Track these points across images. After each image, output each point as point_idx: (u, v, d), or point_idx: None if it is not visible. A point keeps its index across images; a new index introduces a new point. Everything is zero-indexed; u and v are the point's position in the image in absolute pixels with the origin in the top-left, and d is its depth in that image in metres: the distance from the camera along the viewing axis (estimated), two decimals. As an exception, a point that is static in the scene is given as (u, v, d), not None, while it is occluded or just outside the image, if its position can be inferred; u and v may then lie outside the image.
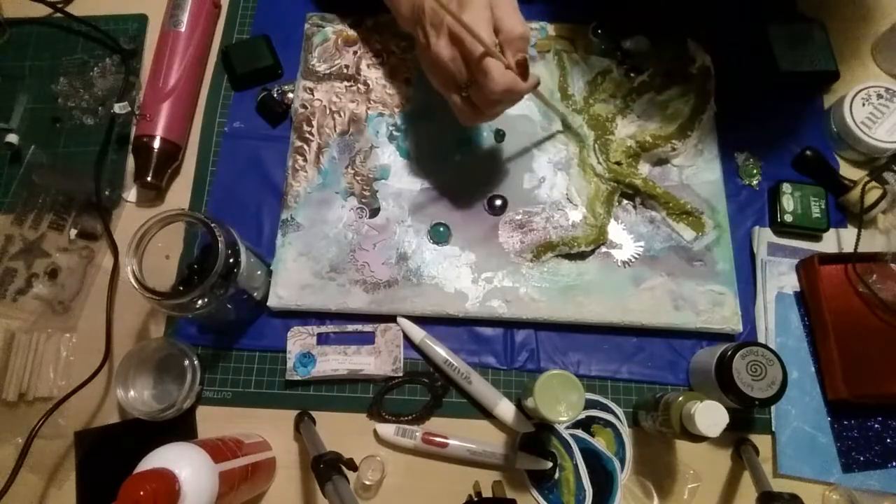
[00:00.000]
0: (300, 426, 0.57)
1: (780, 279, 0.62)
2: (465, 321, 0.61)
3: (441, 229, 0.62)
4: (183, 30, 0.67)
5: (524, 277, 0.61)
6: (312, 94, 0.67)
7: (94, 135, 0.68)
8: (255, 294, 0.59)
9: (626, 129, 0.66)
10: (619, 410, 0.59)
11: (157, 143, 0.63)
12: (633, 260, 0.62)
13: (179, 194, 0.67)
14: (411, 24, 0.56)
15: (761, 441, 0.57)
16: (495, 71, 0.49)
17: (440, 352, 0.59)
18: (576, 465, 0.57)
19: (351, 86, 0.68)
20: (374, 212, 0.63)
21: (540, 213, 0.63)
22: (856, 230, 0.61)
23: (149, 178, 0.63)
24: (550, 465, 0.56)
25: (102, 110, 0.69)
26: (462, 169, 0.65)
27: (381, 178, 0.64)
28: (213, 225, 0.50)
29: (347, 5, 0.71)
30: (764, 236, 0.63)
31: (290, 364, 0.59)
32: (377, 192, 0.64)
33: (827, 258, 0.61)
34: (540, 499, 0.56)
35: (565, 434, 0.58)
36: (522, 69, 0.51)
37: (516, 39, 0.50)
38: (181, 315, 0.59)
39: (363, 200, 0.64)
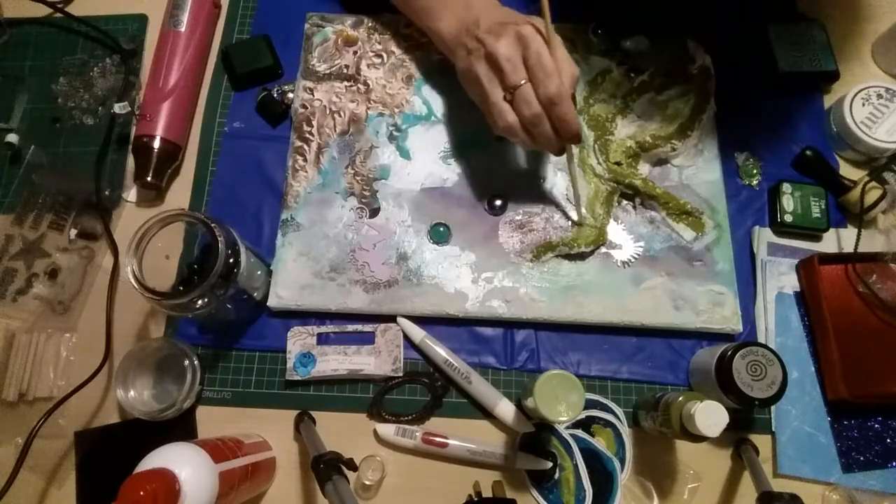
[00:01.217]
0: (300, 426, 0.57)
1: (780, 279, 0.62)
2: (465, 321, 0.61)
3: (441, 229, 0.62)
4: (183, 30, 0.67)
5: (524, 277, 0.61)
6: (312, 94, 0.67)
7: (94, 135, 0.68)
8: (255, 294, 0.59)
9: (625, 130, 0.66)
10: (619, 410, 0.59)
11: (157, 143, 0.63)
12: (633, 260, 0.62)
13: (179, 194, 0.67)
14: (454, 39, 0.58)
15: (761, 441, 0.57)
16: (555, 74, 0.51)
17: (440, 352, 0.59)
18: (576, 465, 0.57)
19: (351, 86, 0.68)
20: (374, 212, 0.63)
21: (540, 213, 0.63)
22: (856, 230, 0.61)
23: (149, 178, 0.63)
24: (550, 465, 0.56)
25: (102, 110, 0.69)
26: (462, 169, 0.65)
27: (381, 178, 0.64)
28: (213, 225, 0.50)
29: (351, 4, 0.71)
30: (764, 236, 0.63)
31: (290, 364, 0.59)
32: (377, 192, 0.64)
33: (827, 258, 0.61)
34: (540, 499, 0.56)
35: (565, 434, 0.58)
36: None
37: (570, 76, 0.53)
38: (181, 315, 0.59)
39: (363, 200, 0.64)
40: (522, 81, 0.52)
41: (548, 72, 0.51)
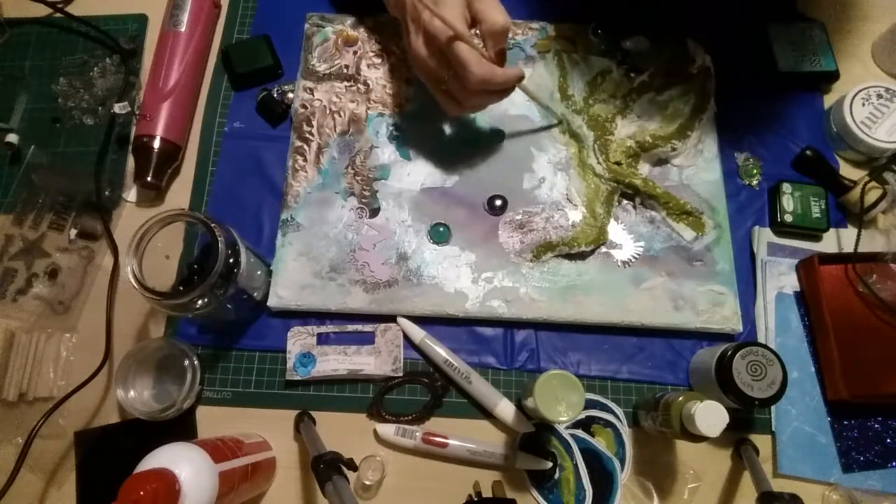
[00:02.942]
0: (300, 426, 0.57)
1: (780, 279, 0.62)
2: (465, 321, 0.61)
3: (441, 229, 0.62)
4: (183, 30, 0.67)
5: (524, 277, 0.61)
6: (312, 94, 0.67)
7: (94, 135, 0.68)
8: (255, 294, 0.59)
9: (625, 130, 0.66)
10: (619, 410, 0.59)
11: (157, 143, 0.63)
12: (633, 260, 0.62)
13: (179, 194, 0.67)
14: (399, 14, 0.58)
15: (761, 441, 0.57)
16: (473, 63, 0.51)
17: (440, 352, 0.59)
18: (576, 465, 0.57)
19: (351, 86, 0.68)
20: (374, 212, 0.63)
21: (540, 213, 0.63)
22: (856, 230, 0.61)
23: (149, 178, 0.63)
24: (550, 465, 0.56)
25: (102, 110, 0.69)
26: (462, 169, 0.65)
27: (381, 178, 0.64)
28: (213, 225, 0.50)
29: (351, 4, 0.71)
30: (764, 236, 0.63)
31: (290, 364, 0.59)
32: (377, 192, 0.64)
33: (827, 258, 0.60)
34: (540, 499, 0.56)
35: (565, 434, 0.58)
36: (500, 59, 0.53)
37: (497, 32, 0.52)
38: (181, 315, 0.59)
39: (363, 200, 0.64)
40: (447, 76, 0.53)
41: (463, 63, 0.51)
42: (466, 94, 0.54)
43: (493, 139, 0.66)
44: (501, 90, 0.55)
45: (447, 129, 0.66)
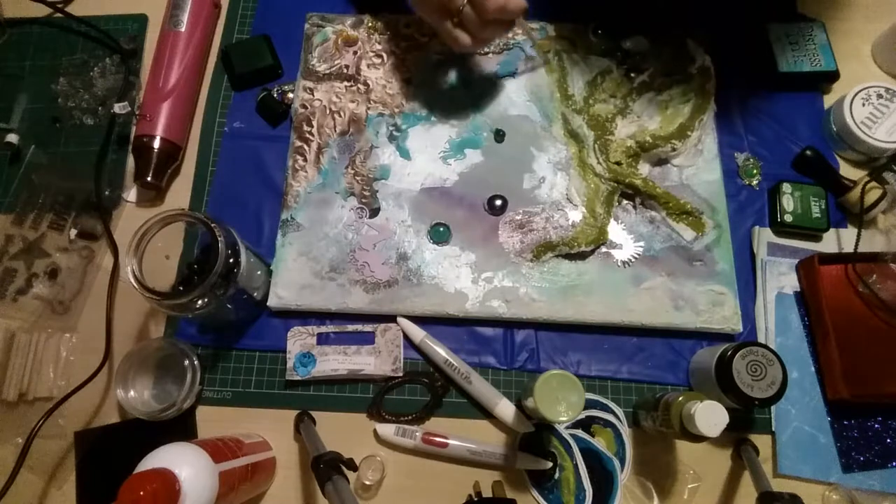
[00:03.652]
0: (300, 426, 0.57)
1: (780, 279, 0.62)
2: (465, 321, 0.61)
3: (441, 229, 0.62)
4: (183, 30, 0.67)
5: (524, 277, 0.61)
6: (312, 94, 0.67)
7: (94, 135, 0.68)
8: (255, 294, 0.59)
9: (626, 129, 0.66)
10: (619, 410, 0.59)
11: (157, 143, 0.63)
12: (633, 260, 0.62)
13: (179, 194, 0.67)
14: None
15: (761, 441, 0.57)
16: None
17: (440, 352, 0.59)
18: (576, 465, 0.57)
19: (351, 86, 0.68)
20: (374, 212, 0.63)
21: (540, 213, 0.63)
22: (856, 230, 0.61)
23: (149, 178, 0.63)
24: (550, 465, 0.56)
25: (102, 110, 0.69)
26: (462, 169, 0.65)
27: (381, 178, 0.64)
28: (213, 225, 0.50)
29: (353, 4, 0.72)
30: (764, 236, 0.63)
31: (290, 364, 0.59)
32: (377, 192, 0.64)
33: (827, 258, 0.61)
34: (540, 499, 0.56)
35: (565, 434, 0.58)
36: None
37: None
38: (181, 315, 0.59)
39: (363, 200, 0.64)
40: (462, 5, 0.54)
41: None
42: (481, 24, 0.55)
43: (493, 139, 0.66)
44: (509, 22, 0.57)
45: (447, 130, 0.66)
